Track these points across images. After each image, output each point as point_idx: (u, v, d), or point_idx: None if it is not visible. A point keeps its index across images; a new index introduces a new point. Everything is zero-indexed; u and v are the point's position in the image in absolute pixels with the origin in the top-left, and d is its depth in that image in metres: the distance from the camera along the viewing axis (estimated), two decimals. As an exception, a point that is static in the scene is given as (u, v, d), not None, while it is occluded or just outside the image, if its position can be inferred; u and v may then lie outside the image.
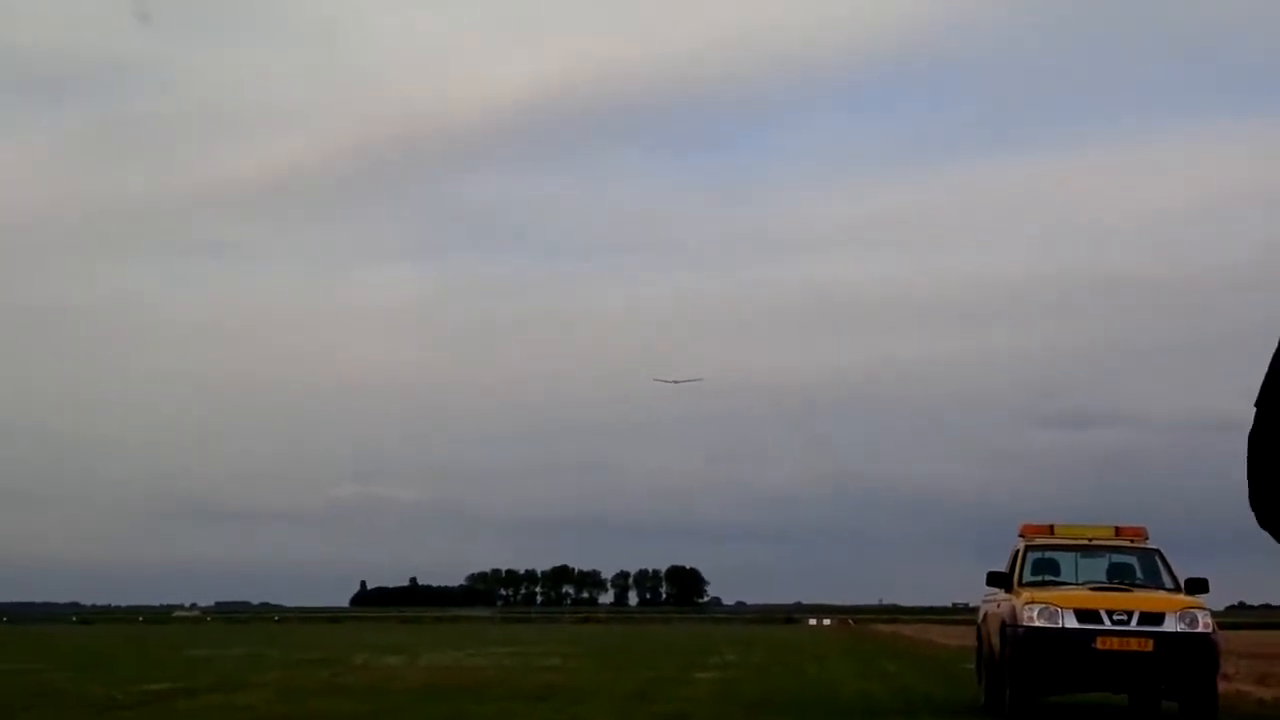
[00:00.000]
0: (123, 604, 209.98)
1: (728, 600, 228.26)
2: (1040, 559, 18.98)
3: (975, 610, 22.14)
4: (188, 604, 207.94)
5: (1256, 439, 4.22)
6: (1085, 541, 19.20)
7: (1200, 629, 17.04)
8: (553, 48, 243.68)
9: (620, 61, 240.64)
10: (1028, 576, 18.60)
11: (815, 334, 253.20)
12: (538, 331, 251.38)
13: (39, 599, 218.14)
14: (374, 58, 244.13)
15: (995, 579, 19.00)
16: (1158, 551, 18.86)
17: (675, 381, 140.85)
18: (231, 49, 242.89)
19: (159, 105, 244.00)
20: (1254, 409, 4.24)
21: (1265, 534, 4.09)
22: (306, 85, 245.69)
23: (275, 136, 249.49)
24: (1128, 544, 19.05)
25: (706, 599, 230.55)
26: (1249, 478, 4.21)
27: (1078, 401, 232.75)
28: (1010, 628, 17.53)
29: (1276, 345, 4.27)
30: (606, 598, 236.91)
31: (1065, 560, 19.12)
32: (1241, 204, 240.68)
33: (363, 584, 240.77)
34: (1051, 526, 19.39)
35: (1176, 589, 18.06)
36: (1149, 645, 16.89)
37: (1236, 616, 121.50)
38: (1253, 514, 4.24)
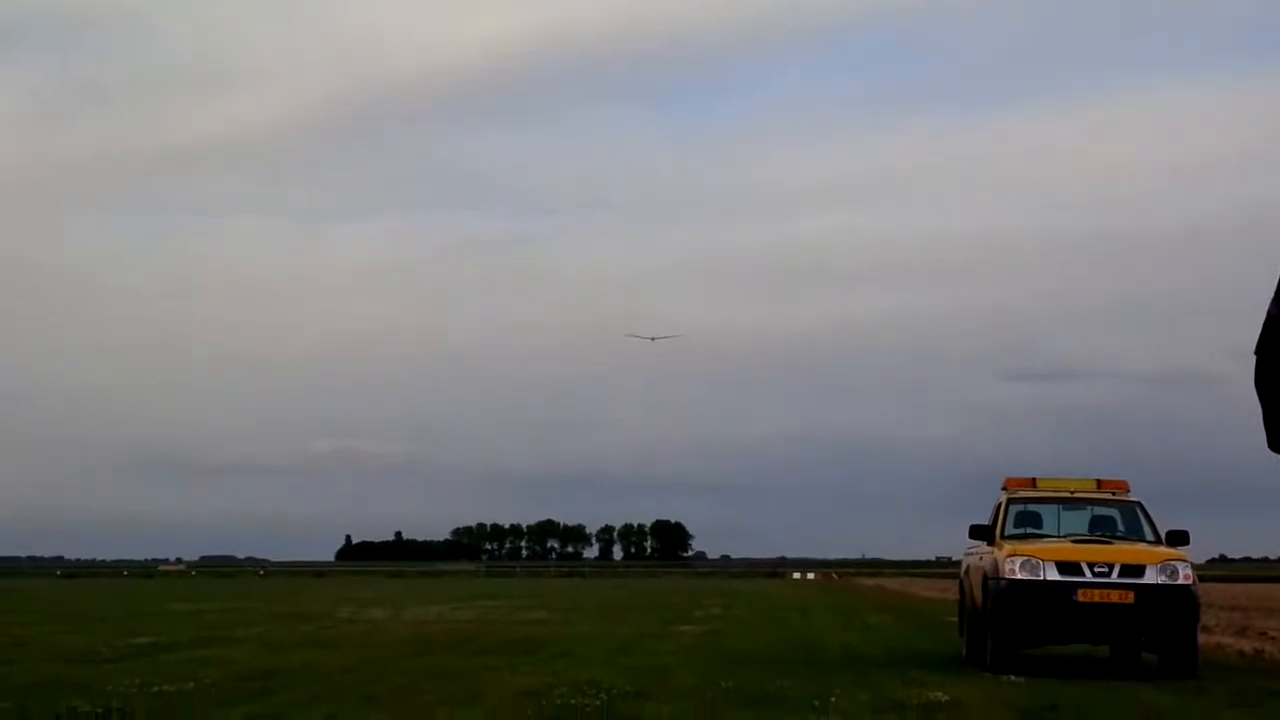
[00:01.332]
0: (107, 559, 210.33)
1: (712, 554, 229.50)
2: (1022, 512, 19.04)
3: (958, 564, 22.23)
4: (173, 559, 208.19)
5: (1263, 382, 4.16)
6: (1067, 494, 19.25)
7: (1181, 581, 17.11)
8: (526, 3, 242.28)
9: (591, 17, 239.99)
10: (1010, 529, 18.66)
11: (792, 290, 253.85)
12: (518, 287, 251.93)
13: (24, 553, 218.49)
14: (346, 14, 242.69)
15: (978, 532, 19.07)
16: (1139, 504, 18.93)
17: (652, 338, 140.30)
18: (211, 4, 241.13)
19: (132, 61, 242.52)
20: (1254, 356, 4.19)
21: (1242, 489, 4.10)
22: (280, 42, 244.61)
23: (249, 93, 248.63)
24: (1109, 497, 19.11)
25: (691, 553, 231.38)
26: (1265, 423, 4.14)
27: (1051, 356, 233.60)
28: (992, 580, 17.60)
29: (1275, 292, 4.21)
30: (591, 552, 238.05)
31: (1047, 513, 19.18)
32: (1210, 161, 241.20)
33: (348, 538, 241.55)
34: (1034, 480, 19.44)
35: (1158, 542, 18.14)
36: (1130, 597, 16.96)
37: (1217, 569, 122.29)
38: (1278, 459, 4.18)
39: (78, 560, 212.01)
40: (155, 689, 15.07)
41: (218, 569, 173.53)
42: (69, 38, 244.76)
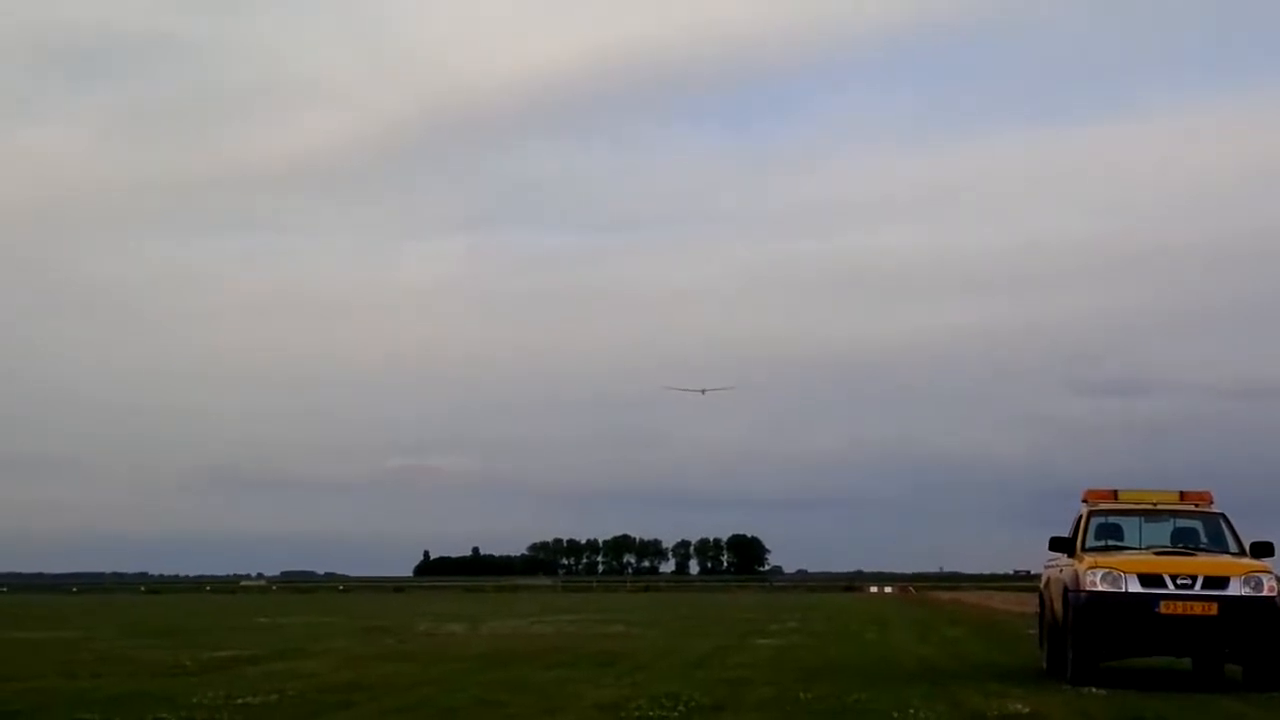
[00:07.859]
0: (190, 574, 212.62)
1: (789, 569, 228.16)
2: (1103, 524, 18.90)
3: (1037, 577, 22.07)
4: (254, 574, 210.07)
5: None
6: (1149, 506, 19.10)
7: (1265, 593, 16.92)
8: (592, 20, 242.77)
9: (659, 34, 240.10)
10: (1091, 541, 18.53)
11: (866, 303, 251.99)
12: (593, 302, 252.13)
13: (108, 569, 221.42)
14: (417, 33, 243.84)
15: (1058, 544, 18.93)
16: (1222, 516, 18.74)
17: (703, 390, 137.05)
18: (278, 25, 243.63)
19: (200, 83, 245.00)
20: None
21: None
22: (352, 61, 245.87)
23: (323, 112, 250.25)
24: (1192, 508, 18.94)
25: (767, 567, 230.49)
26: None
27: (1126, 369, 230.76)
28: (1073, 593, 17.47)
29: None
30: (668, 567, 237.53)
31: (1129, 525, 19.02)
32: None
33: (425, 554, 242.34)
34: (1115, 492, 19.29)
35: (1242, 553, 17.95)
36: (1213, 609, 16.78)
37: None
38: None
39: (160, 576, 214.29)
40: (239, 701, 15.29)
41: (298, 584, 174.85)
42: (140, 61, 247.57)
